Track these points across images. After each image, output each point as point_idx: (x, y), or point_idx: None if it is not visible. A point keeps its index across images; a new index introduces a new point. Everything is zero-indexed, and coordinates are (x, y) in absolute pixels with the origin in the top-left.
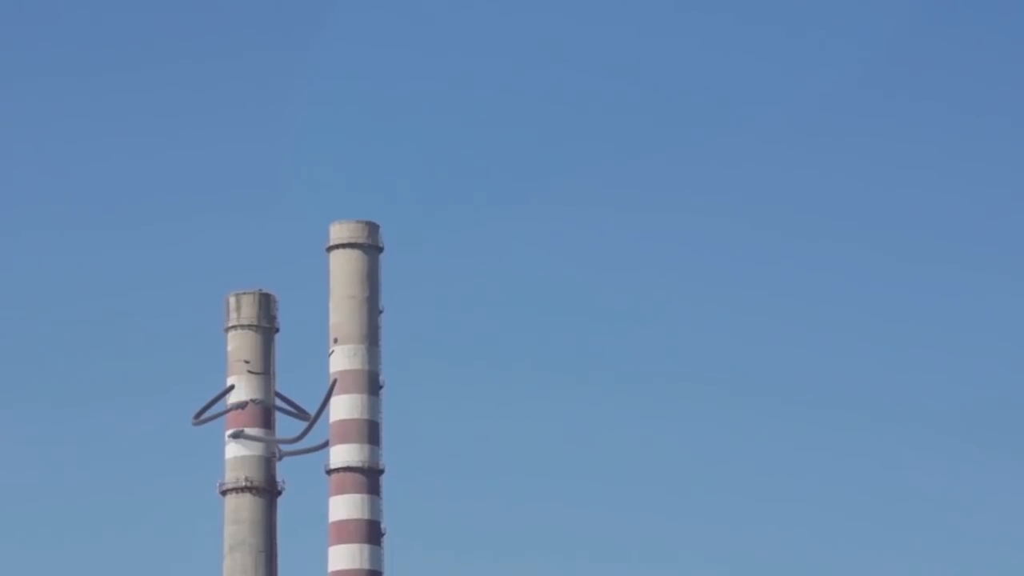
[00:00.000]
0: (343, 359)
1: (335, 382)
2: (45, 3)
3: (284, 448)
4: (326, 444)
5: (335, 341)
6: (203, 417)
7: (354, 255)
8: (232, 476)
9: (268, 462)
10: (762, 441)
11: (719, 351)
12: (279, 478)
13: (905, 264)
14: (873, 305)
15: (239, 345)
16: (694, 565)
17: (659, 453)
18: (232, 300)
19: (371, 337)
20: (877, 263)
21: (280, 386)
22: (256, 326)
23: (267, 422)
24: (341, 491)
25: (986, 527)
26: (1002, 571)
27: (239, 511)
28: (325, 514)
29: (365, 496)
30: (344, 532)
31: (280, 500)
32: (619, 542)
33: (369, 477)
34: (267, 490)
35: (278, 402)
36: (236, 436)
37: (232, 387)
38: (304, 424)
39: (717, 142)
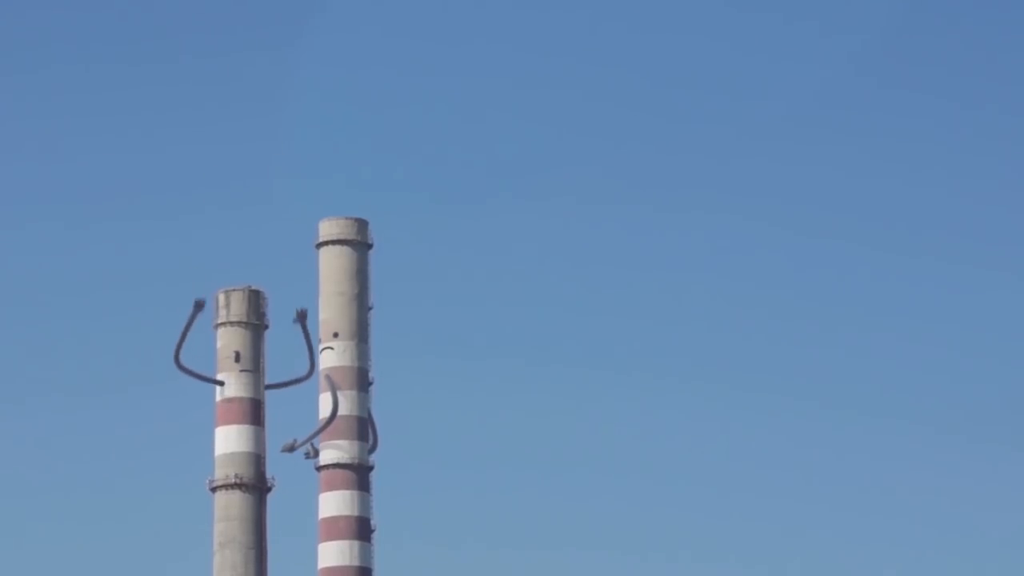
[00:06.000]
0: (333, 355)
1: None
2: (32, 2)
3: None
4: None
5: (335, 336)
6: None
7: (343, 251)
8: (221, 473)
9: (258, 459)
10: (758, 437)
11: (711, 346)
12: (269, 475)
13: (903, 259)
14: (871, 300)
15: (228, 342)
16: (689, 561)
17: (651, 448)
18: (221, 297)
19: (360, 334)
20: (874, 258)
21: (270, 382)
22: (245, 323)
23: (257, 417)
24: (331, 488)
25: (986, 526)
26: (1002, 570)
27: (228, 508)
28: (315, 511)
29: (355, 492)
30: (334, 529)
31: (270, 497)
32: (611, 537)
33: (359, 474)
34: (257, 487)
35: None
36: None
37: (222, 383)
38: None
39: (711, 136)
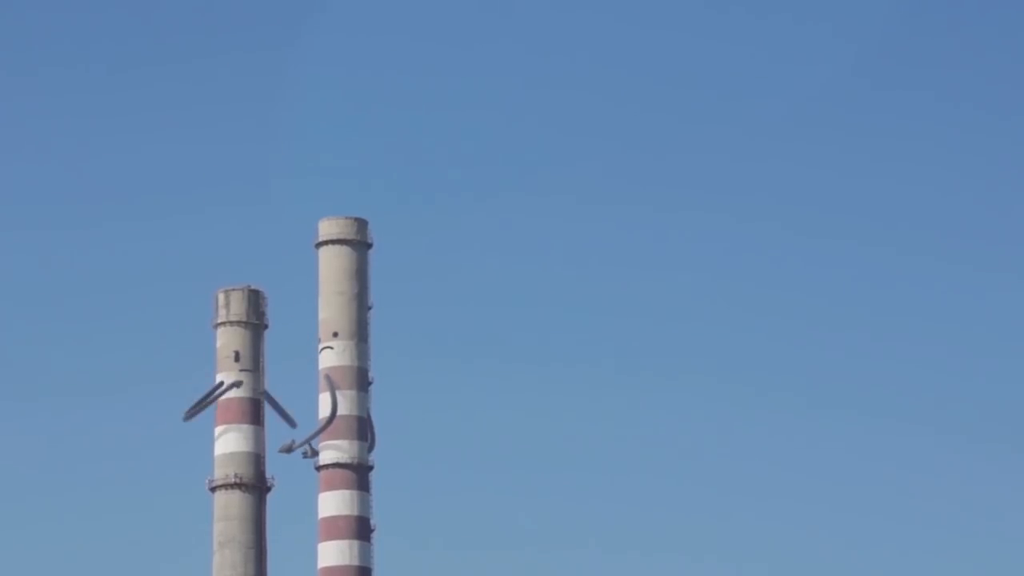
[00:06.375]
0: (332, 355)
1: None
2: (32, 2)
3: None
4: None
5: (335, 335)
6: (195, 412)
7: (343, 251)
8: (221, 473)
9: (257, 458)
10: (757, 437)
11: (711, 346)
12: (268, 475)
13: (904, 259)
14: (871, 300)
15: (228, 341)
16: (689, 560)
17: (650, 447)
18: (221, 296)
19: (360, 333)
20: (874, 258)
21: (269, 382)
22: (245, 322)
23: (257, 418)
24: (330, 487)
25: (987, 526)
26: (1002, 570)
27: (228, 508)
28: (315, 510)
29: (354, 492)
30: (333, 528)
31: (269, 496)
32: (610, 536)
33: (358, 473)
34: (256, 487)
35: (266, 403)
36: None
37: (221, 383)
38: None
39: (711, 136)
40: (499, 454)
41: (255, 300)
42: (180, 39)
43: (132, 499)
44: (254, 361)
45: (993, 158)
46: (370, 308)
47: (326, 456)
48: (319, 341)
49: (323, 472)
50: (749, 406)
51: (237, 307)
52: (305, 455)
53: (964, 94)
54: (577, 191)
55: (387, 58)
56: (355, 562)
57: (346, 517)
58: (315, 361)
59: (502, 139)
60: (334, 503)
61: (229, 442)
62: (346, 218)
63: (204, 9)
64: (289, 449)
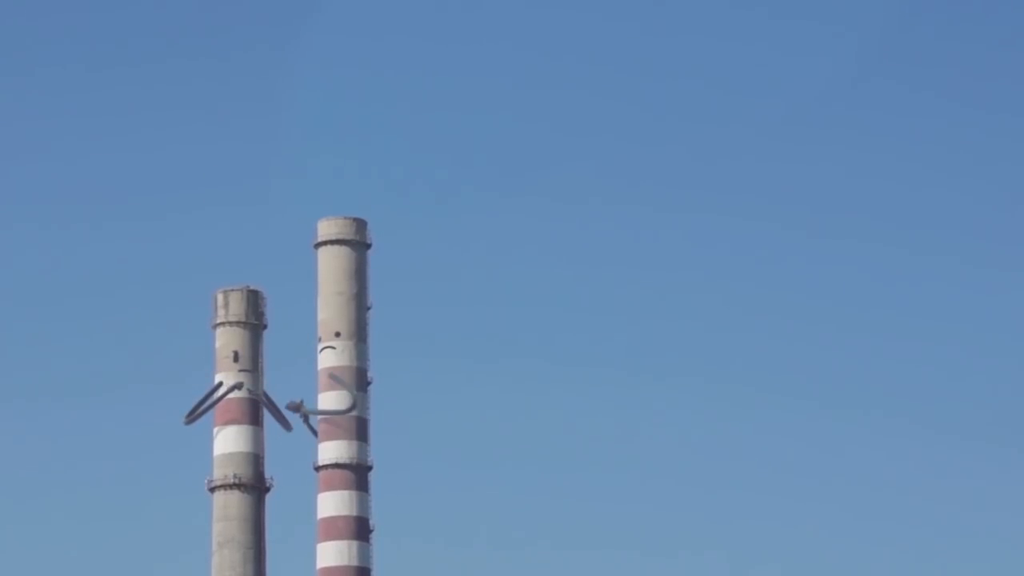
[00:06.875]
0: (332, 355)
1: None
2: (32, 2)
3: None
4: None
5: (336, 335)
6: (195, 415)
7: (342, 251)
8: (220, 473)
9: (257, 459)
10: (758, 437)
11: (711, 346)
12: (268, 475)
13: (904, 258)
14: (871, 300)
15: (227, 342)
16: (689, 560)
17: (650, 447)
18: (220, 296)
19: (359, 333)
20: (875, 257)
21: (269, 382)
22: (244, 323)
23: (256, 418)
24: (329, 488)
25: (986, 526)
26: (1002, 570)
27: (227, 508)
28: (314, 511)
29: (353, 492)
30: (332, 529)
31: (268, 497)
32: (610, 536)
33: (357, 473)
34: (255, 487)
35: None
36: (295, 409)
37: (220, 384)
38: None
39: (711, 135)
40: (499, 454)
41: (254, 300)
42: (180, 39)
43: (132, 499)
44: (253, 361)
45: (993, 158)
46: (369, 308)
47: (325, 456)
48: (318, 341)
49: (322, 472)
50: (750, 406)
51: (236, 307)
52: (304, 419)
53: (964, 93)
54: (577, 191)
55: (386, 58)
56: (354, 562)
57: (345, 517)
58: (314, 361)
59: (502, 139)
60: (333, 503)
61: (228, 442)
62: (345, 218)
63: (203, 9)
64: (295, 408)
